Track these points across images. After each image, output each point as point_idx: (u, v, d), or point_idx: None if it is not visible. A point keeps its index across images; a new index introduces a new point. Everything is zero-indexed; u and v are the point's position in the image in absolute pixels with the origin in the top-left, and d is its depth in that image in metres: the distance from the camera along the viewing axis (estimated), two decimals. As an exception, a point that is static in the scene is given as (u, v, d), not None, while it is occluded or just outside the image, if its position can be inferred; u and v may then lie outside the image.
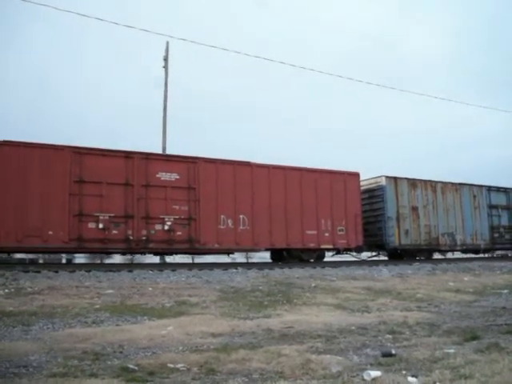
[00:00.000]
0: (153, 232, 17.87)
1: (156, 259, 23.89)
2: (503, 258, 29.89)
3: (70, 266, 19.56)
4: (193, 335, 7.69)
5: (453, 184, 26.97)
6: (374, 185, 24.87)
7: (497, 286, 15.62)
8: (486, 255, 29.97)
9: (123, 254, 19.66)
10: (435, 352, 6.39)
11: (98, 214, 17.03)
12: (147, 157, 18.22)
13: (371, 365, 5.85)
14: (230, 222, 19.39)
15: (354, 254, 24.47)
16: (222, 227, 19.23)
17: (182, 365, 5.83)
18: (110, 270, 15.82)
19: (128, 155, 17.85)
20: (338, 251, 23.11)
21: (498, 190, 29.07)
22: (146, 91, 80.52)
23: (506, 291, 14.23)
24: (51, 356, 6.22)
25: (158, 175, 18.26)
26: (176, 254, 21.15)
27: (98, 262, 26.64)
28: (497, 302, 12.07)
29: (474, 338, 7.34)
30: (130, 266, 18.10)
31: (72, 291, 12.06)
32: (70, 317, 9.15)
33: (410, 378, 5.13)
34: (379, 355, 6.32)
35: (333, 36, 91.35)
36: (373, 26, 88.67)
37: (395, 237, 23.81)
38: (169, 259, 24.52)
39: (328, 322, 9.03)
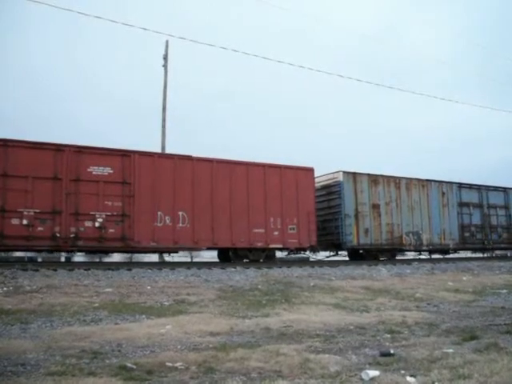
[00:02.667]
0: (82, 229, 16.89)
1: (155, 258, 23.86)
2: (502, 257, 29.74)
3: (69, 264, 19.50)
4: (191, 334, 7.68)
5: (419, 180, 25.84)
6: (331, 181, 23.72)
7: (496, 286, 15.62)
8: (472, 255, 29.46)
9: (50, 252, 18.51)
10: (434, 352, 6.39)
11: (22, 210, 16.07)
12: (79, 150, 17.23)
13: (370, 364, 5.84)
14: (167, 219, 18.36)
15: (310, 254, 23.44)
16: (158, 225, 18.19)
17: (181, 363, 5.82)
18: (109, 269, 15.81)
19: (58, 148, 16.93)
20: (292, 251, 22.11)
21: (470, 187, 28.08)
22: (146, 90, 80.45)
23: (504, 291, 14.23)
24: (49, 354, 6.21)
25: (89, 169, 17.27)
26: (108, 252, 20.32)
27: (97, 260, 26.63)
28: (496, 302, 12.08)
29: (473, 337, 7.34)
30: (128, 265, 18.06)
31: (71, 290, 12.07)
32: (69, 315, 9.15)
33: (408, 378, 5.13)
34: (378, 355, 6.31)
35: (332, 34, 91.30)
36: (372, 25, 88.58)
37: (353, 236, 22.72)
38: (168, 258, 24.46)
39: (326, 321, 9.02)
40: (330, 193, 23.58)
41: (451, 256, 28.94)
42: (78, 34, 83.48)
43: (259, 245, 20.13)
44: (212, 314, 9.72)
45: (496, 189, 29.06)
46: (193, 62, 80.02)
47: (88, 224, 17.01)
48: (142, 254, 24.87)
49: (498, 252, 31.98)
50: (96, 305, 10.30)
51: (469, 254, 30.81)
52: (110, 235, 17.32)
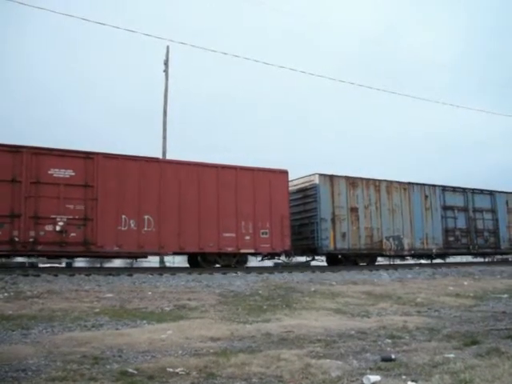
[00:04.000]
0: (42, 233, 16.31)
1: (155, 263, 23.84)
2: (503, 262, 29.57)
3: (70, 269, 19.50)
4: (192, 339, 7.68)
5: (400, 183, 25.00)
6: (307, 184, 22.91)
7: (497, 291, 15.61)
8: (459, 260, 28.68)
9: (7, 256, 17.81)
10: (435, 357, 6.38)
11: None
12: (38, 152, 16.67)
13: (371, 369, 5.83)
14: (132, 222, 17.75)
15: (285, 259, 22.45)
16: (123, 229, 17.56)
17: (182, 369, 5.82)
18: (110, 274, 15.81)
19: (17, 150, 16.40)
20: (265, 256, 21.43)
21: (454, 189, 27.23)
22: (147, 94, 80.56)
23: (506, 296, 14.23)
24: (50, 360, 6.21)
25: (50, 172, 16.69)
26: (69, 257, 19.71)
27: (98, 265, 26.61)
28: (497, 307, 12.07)
29: (474, 342, 7.33)
30: (129, 270, 18.04)
31: (71, 295, 12.07)
32: (70, 321, 9.15)
33: (409, 383, 5.13)
34: (379, 360, 6.30)
35: (332, 36, 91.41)
36: (372, 27, 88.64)
37: (330, 240, 21.91)
38: (168, 263, 24.42)
39: (327, 326, 9.02)
40: (306, 196, 22.95)
41: (452, 261, 28.75)
42: (80, 39, 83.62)
43: (229, 250, 19.52)
44: (213, 319, 9.72)
45: (482, 192, 28.36)
46: (193, 66, 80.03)
47: (48, 228, 16.48)
48: (143, 260, 24.77)
49: (498, 256, 31.60)
50: (97, 310, 10.30)
51: (470, 259, 30.68)
52: (71, 239, 16.76)
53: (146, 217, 18.02)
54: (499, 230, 28.48)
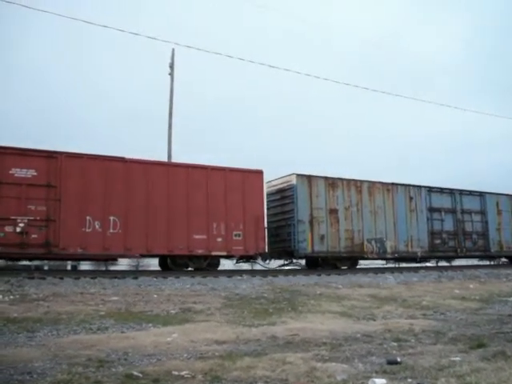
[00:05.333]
0: (2, 235, 15.84)
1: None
2: (509, 265, 29.34)
3: (75, 272, 19.55)
4: (198, 342, 7.67)
5: (383, 184, 24.27)
6: (285, 184, 22.20)
7: (503, 294, 15.55)
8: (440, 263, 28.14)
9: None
10: (441, 360, 6.36)
11: None
12: None
13: (376, 373, 5.81)
14: (97, 224, 17.22)
15: (261, 262, 21.60)
16: (87, 230, 17.04)
17: (187, 372, 5.81)
18: (115, 277, 15.83)
19: None
20: (241, 259, 21.01)
21: (442, 191, 26.54)
22: (153, 97, 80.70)
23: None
24: (55, 363, 6.21)
25: (11, 171, 16.22)
26: (31, 259, 18.86)
27: (103, 268, 26.68)
28: (503, 310, 12.02)
29: (480, 345, 7.30)
30: (134, 273, 18.05)
31: (77, 298, 12.10)
32: (75, 323, 9.16)
33: (415, 386, 5.11)
34: (384, 363, 6.28)
35: (337, 40, 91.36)
36: (376, 30, 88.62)
37: (307, 243, 21.17)
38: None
39: (333, 329, 8.99)
40: (284, 197, 22.26)
41: (458, 264, 28.56)
42: (86, 42, 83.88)
43: (200, 252, 18.97)
44: (218, 322, 9.71)
45: (471, 193, 27.67)
46: (198, 69, 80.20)
47: (8, 229, 16.00)
48: (149, 262, 24.73)
49: (504, 260, 31.13)
50: (102, 313, 10.31)
51: (476, 262, 30.53)
52: (32, 241, 16.26)
53: (111, 218, 17.54)
54: (489, 233, 27.84)
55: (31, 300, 11.56)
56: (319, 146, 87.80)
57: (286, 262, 22.82)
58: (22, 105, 73.63)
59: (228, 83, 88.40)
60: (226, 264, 22.04)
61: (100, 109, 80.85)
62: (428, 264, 27.48)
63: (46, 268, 23.10)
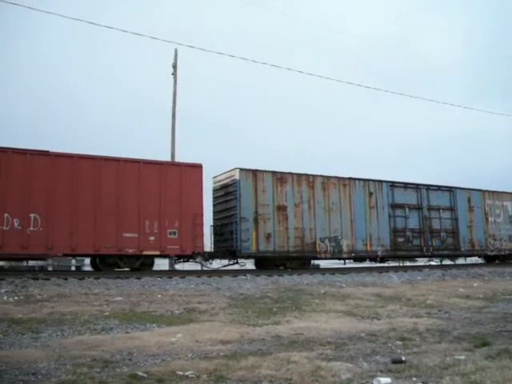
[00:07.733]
0: None
1: (165, 266, 23.80)
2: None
3: (79, 273, 19.55)
4: (202, 342, 7.68)
5: (339, 178, 22.74)
6: (228, 180, 20.88)
7: (507, 292, 15.53)
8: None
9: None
10: (445, 358, 6.35)
11: None
12: None
13: (381, 372, 5.82)
14: (16, 221, 16.10)
15: (203, 262, 20.26)
16: (5, 228, 15.90)
17: (192, 372, 5.82)
18: (119, 278, 15.83)
19: None
20: (179, 259, 20.09)
21: (406, 186, 25.01)
22: (157, 96, 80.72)
23: (516, 297, 14.15)
24: (60, 363, 6.22)
25: None
26: None
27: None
28: (507, 308, 12.00)
29: (485, 344, 7.29)
30: (138, 273, 18.02)
31: (81, 298, 12.11)
32: (79, 324, 9.17)
33: (420, 385, 5.11)
34: (389, 362, 6.28)
35: (341, 39, 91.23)
36: (383, 30, 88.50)
37: (251, 242, 19.85)
38: (178, 266, 24.34)
39: (337, 328, 8.99)
40: (227, 193, 20.95)
41: (462, 262, 28.19)
42: (90, 42, 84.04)
43: (131, 251, 17.76)
44: (223, 322, 9.71)
45: (440, 188, 26.24)
46: (201, 69, 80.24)
47: None
48: (156, 262, 24.55)
49: (475, 259, 29.90)
50: (106, 313, 10.32)
51: (480, 261, 30.38)
52: None
53: (32, 215, 16.43)
54: (459, 230, 26.43)
55: (35, 301, 11.58)
56: (324, 146, 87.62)
57: (230, 263, 21.55)
58: (25, 104, 73.79)
59: (230, 83, 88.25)
60: (160, 264, 21.19)
61: (106, 107, 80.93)
62: (432, 263, 27.21)
63: (50, 269, 23.10)
